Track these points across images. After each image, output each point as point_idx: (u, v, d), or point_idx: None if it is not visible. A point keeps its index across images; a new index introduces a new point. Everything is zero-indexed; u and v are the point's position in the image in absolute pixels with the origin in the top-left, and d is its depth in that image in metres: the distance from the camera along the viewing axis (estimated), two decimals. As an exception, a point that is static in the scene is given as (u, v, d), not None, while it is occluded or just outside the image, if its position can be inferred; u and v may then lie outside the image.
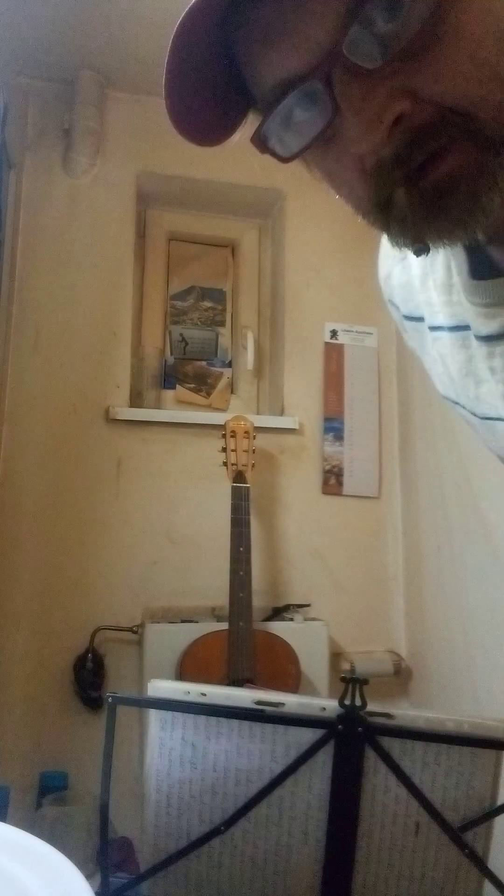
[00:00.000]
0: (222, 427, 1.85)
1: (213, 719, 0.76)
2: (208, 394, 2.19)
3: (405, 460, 2.07)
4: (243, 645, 1.59)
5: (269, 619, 1.86)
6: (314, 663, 1.76)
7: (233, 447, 1.82)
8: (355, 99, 0.41)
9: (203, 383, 2.21)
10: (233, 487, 1.76)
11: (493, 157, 0.41)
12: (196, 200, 2.23)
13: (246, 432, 1.84)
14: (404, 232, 0.45)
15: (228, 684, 1.52)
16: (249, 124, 0.50)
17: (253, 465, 1.81)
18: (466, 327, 0.59)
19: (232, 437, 1.83)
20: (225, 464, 1.81)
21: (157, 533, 1.93)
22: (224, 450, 1.82)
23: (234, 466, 1.79)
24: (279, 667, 1.65)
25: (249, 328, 2.24)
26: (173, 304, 2.27)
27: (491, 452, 0.70)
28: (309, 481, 2.05)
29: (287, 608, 1.91)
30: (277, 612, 1.89)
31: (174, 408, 2.13)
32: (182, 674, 1.62)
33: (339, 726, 0.74)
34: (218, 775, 0.77)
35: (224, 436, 1.84)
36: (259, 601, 1.85)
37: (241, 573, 1.66)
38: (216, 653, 1.60)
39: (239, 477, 1.77)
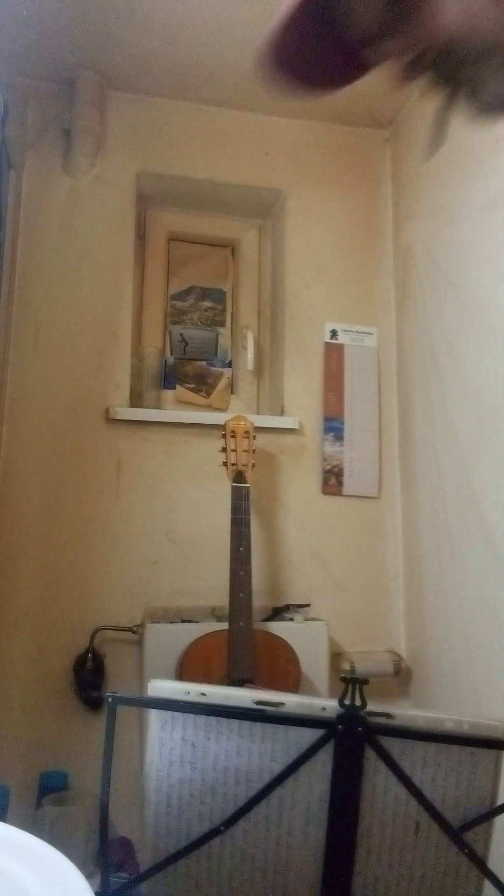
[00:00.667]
0: (222, 427, 1.85)
1: (213, 719, 0.76)
2: (208, 394, 2.19)
3: (405, 460, 2.07)
4: (243, 645, 1.59)
5: (269, 619, 1.86)
6: (314, 663, 1.76)
7: (233, 447, 1.82)
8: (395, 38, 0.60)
9: (203, 383, 2.21)
10: (233, 487, 1.76)
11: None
12: (196, 200, 2.23)
13: (246, 432, 1.83)
14: None
15: (228, 684, 1.52)
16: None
17: (253, 465, 1.81)
18: None
19: (232, 436, 1.83)
20: (225, 464, 1.81)
21: (157, 533, 1.93)
22: (224, 450, 1.82)
23: (234, 466, 1.79)
24: (279, 667, 1.65)
25: (249, 328, 2.24)
26: (173, 304, 2.27)
27: None
28: (309, 481, 2.05)
29: (287, 608, 1.91)
30: (277, 612, 1.89)
31: (174, 408, 2.13)
32: (182, 674, 1.62)
33: (339, 726, 0.74)
34: (218, 775, 0.77)
35: (224, 436, 1.84)
36: (259, 601, 1.85)
37: (241, 573, 1.65)
38: (216, 653, 1.60)
39: (239, 477, 1.77)
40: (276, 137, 2.19)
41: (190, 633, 1.68)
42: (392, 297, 2.18)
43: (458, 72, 0.58)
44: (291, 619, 1.86)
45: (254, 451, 1.83)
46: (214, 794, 0.77)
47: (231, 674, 1.56)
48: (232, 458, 1.80)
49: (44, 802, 1.64)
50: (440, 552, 1.82)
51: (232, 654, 1.58)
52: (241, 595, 1.63)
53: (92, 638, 1.80)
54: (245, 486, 1.75)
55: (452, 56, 0.57)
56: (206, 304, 2.30)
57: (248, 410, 2.20)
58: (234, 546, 1.69)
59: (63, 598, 1.84)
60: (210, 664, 1.59)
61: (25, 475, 1.86)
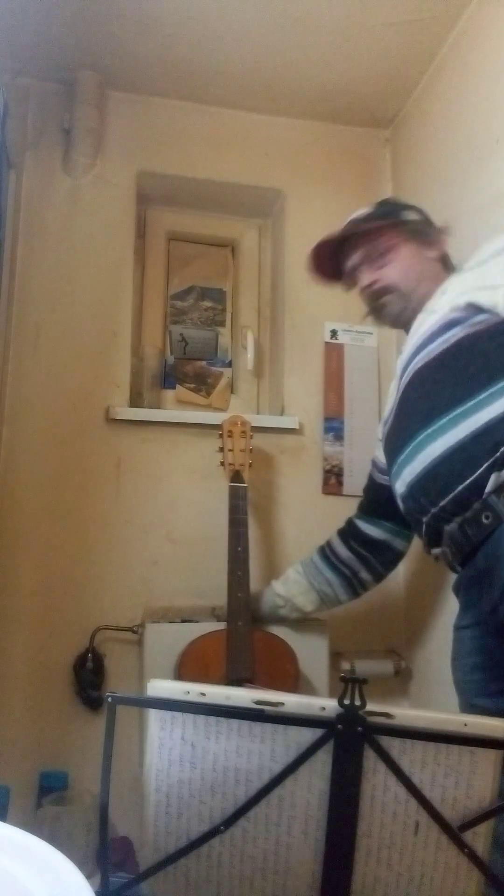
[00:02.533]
0: (220, 426, 1.85)
1: (212, 719, 0.76)
2: (208, 394, 2.19)
3: (405, 460, 2.07)
4: (242, 644, 1.59)
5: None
6: (314, 663, 1.76)
7: (230, 447, 1.81)
8: (361, 280, 1.41)
9: (203, 383, 2.21)
10: (230, 487, 1.75)
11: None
12: (196, 200, 2.23)
13: (243, 432, 1.83)
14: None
15: (227, 684, 1.52)
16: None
17: (250, 465, 1.81)
18: None
19: (229, 436, 1.82)
20: (222, 463, 1.81)
21: (157, 533, 1.93)
22: (221, 449, 1.82)
23: (232, 466, 1.79)
24: (278, 666, 1.65)
25: (249, 328, 2.24)
26: (173, 304, 2.27)
27: None
28: (309, 481, 2.05)
29: (287, 608, 1.90)
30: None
31: (174, 408, 2.13)
32: (181, 674, 1.62)
33: (339, 726, 0.74)
34: (217, 775, 0.77)
35: (221, 435, 1.84)
36: (259, 601, 1.85)
37: (240, 573, 1.65)
38: (215, 653, 1.60)
39: (236, 476, 1.77)
40: (276, 137, 2.19)
41: (190, 633, 1.68)
42: (392, 296, 2.18)
43: (372, 303, 1.42)
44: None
45: (251, 450, 1.82)
46: (214, 794, 0.77)
47: (230, 674, 1.56)
48: (229, 457, 1.80)
49: (44, 802, 1.64)
50: (440, 552, 1.81)
51: (231, 653, 1.58)
52: (240, 595, 1.63)
53: (92, 638, 1.80)
54: (243, 486, 1.75)
55: (369, 296, 1.41)
56: (206, 303, 2.30)
57: (248, 410, 2.20)
58: (232, 546, 1.68)
59: (63, 598, 1.84)
60: (209, 664, 1.59)
61: (25, 475, 1.86)
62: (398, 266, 1.36)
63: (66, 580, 1.85)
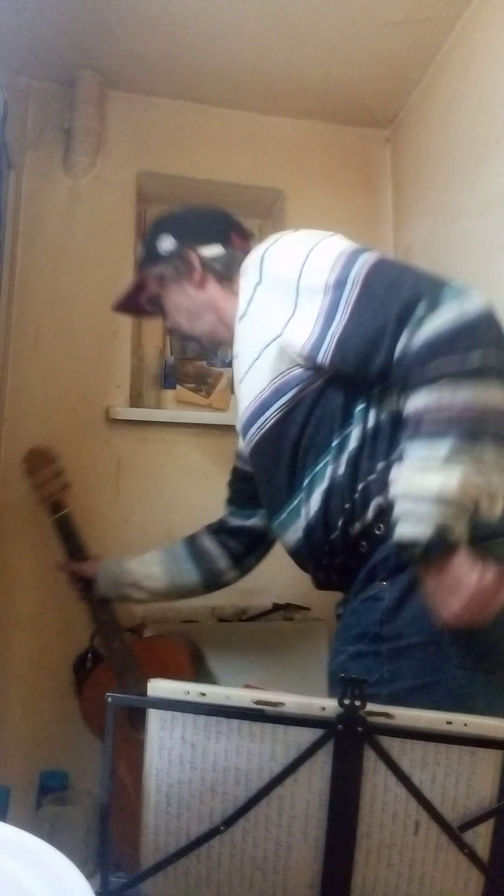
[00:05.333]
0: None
1: (212, 719, 0.76)
2: (208, 393, 2.19)
3: (405, 460, 2.06)
4: (126, 663, 1.56)
5: (265, 614, 1.86)
6: (314, 663, 1.75)
7: (41, 481, 1.65)
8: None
9: (203, 383, 2.21)
10: (54, 521, 1.63)
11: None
12: (196, 200, 2.23)
13: (45, 458, 1.67)
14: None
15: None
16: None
17: (67, 486, 1.67)
18: None
19: (36, 470, 1.67)
20: (44, 500, 1.66)
21: (157, 533, 1.93)
22: (34, 487, 1.66)
23: (50, 497, 1.64)
24: (169, 663, 1.60)
25: (249, 328, 2.24)
26: (173, 304, 2.27)
27: None
28: (309, 481, 2.05)
29: (287, 606, 1.90)
30: (277, 608, 1.89)
31: (174, 408, 2.13)
32: (89, 726, 1.59)
33: (339, 726, 0.74)
34: (217, 775, 0.77)
35: (28, 472, 1.67)
36: (259, 599, 1.85)
37: (96, 600, 1.61)
38: (108, 685, 1.55)
39: (56, 507, 1.64)
40: (276, 137, 2.19)
41: (190, 633, 1.68)
42: (392, 296, 2.18)
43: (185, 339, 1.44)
44: (291, 619, 1.86)
45: (63, 471, 1.68)
46: (214, 794, 0.77)
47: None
48: (44, 492, 1.64)
49: (44, 802, 1.64)
50: (440, 552, 1.81)
51: (119, 676, 1.55)
52: (105, 618, 1.59)
53: (92, 638, 1.80)
54: (66, 513, 1.64)
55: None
56: (206, 303, 2.30)
57: (248, 410, 2.20)
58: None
59: (63, 598, 1.83)
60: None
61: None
62: (171, 314, 1.35)
63: (66, 580, 1.84)
